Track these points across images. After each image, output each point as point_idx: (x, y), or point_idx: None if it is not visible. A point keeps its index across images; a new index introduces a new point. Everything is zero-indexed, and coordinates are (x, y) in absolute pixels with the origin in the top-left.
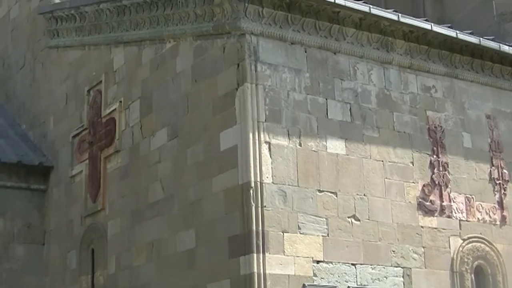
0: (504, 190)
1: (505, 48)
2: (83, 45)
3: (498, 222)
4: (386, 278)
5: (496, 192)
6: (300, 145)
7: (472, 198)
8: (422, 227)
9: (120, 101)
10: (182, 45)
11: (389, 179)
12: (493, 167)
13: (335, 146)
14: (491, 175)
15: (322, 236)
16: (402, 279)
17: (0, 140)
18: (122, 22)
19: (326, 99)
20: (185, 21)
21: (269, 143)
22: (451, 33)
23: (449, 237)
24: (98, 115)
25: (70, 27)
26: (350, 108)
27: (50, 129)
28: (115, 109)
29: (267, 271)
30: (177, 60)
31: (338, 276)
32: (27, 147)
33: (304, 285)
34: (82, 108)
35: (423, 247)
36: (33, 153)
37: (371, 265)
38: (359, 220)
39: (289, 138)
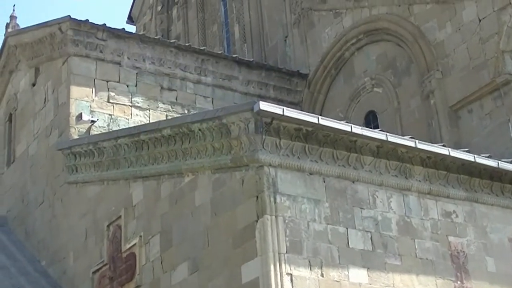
0: None
1: None
2: (102, 180)
3: None
4: None
5: None
6: (322, 275)
7: None
8: None
9: (140, 236)
10: (200, 179)
11: None
12: None
13: (357, 275)
14: None
15: None
16: None
17: (20, 278)
18: (140, 156)
19: (347, 228)
20: (203, 154)
21: (291, 275)
22: (469, 157)
23: None
24: (118, 250)
25: (89, 163)
26: (371, 237)
27: (70, 265)
28: (135, 243)
29: None
30: (196, 193)
31: None
32: (47, 284)
33: None
34: (102, 243)
35: None
36: None
37: None
38: None
39: (310, 269)
